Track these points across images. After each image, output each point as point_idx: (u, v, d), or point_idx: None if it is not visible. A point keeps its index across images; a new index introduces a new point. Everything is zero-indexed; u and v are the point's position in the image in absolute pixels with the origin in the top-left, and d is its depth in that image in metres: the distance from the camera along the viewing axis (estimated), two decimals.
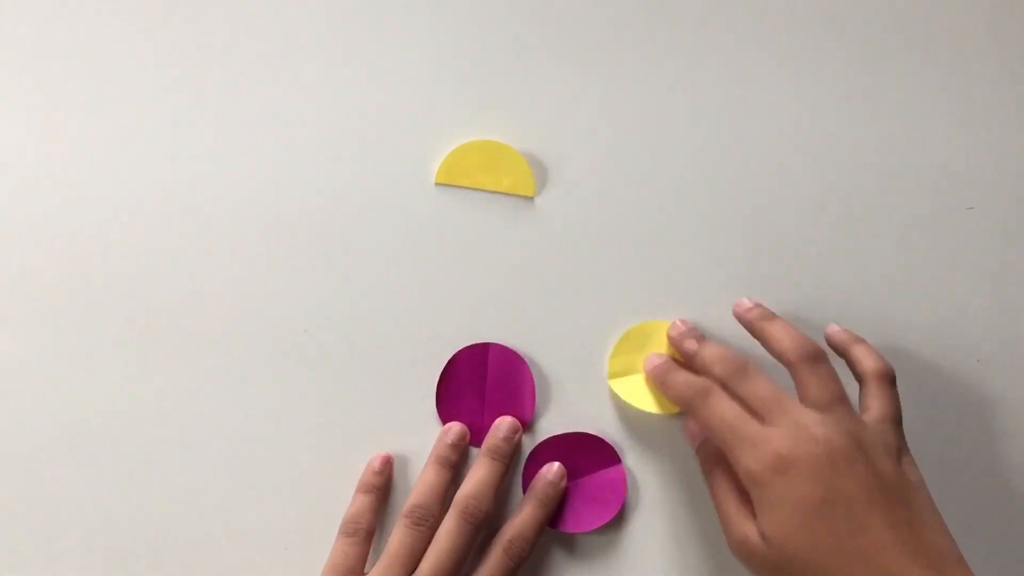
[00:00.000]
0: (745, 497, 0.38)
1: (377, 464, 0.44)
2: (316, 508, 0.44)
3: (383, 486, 0.44)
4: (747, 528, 0.37)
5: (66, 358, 0.45)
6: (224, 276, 0.46)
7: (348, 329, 0.46)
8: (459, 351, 0.45)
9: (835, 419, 0.37)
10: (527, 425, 0.45)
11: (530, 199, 0.47)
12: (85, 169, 0.47)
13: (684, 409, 0.41)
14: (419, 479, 0.43)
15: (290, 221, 0.47)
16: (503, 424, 0.44)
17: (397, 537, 0.41)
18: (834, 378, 0.39)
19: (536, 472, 0.44)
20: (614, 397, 0.45)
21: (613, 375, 0.45)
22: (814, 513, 0.35)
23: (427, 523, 0.41)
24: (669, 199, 0.47)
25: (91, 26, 0.48)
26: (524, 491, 0.44)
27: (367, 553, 0.42)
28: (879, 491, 0.35)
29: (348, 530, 0.42)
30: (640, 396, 0.44)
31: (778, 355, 0.40)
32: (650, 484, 0.45)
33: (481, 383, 0.45)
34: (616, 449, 0.45)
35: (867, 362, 0.41)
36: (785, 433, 0.36)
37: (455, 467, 0.44)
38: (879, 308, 0.47)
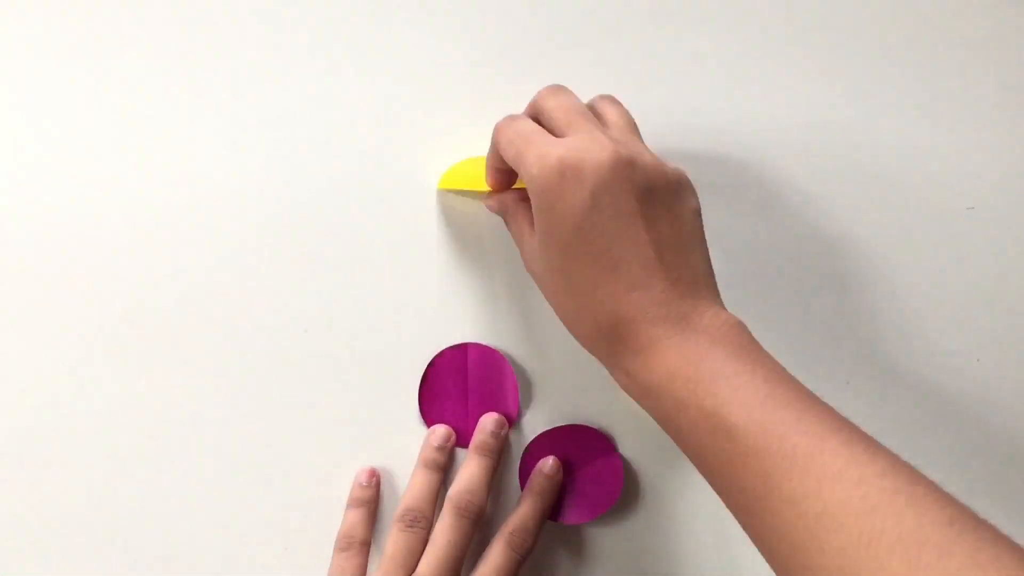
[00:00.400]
0: (531, 222, 0.38)
1: (364, 478, 0.44)
2: (316, 507, 0.44)
3: (373, 498, 0.44)
4: (533, 243, 0.38)
5: (66, 358, 0.45)
6: (224, 276, 0.46)
7: (348, 329, 0.46)
8: (438, 354, 0.46)
9: (626, 139, 0.37)
10: (512, 421, 0.45)
11: None
12: (85, 169, 0.47)
13: (497, 152, 0.39)
14: (409, 484, 0.43)
15: (290, 221, 0.47)
16: (489, 420, 0.44)
17: (392, 541, 0.41)
18: (624, 110, 0.40)
19: (532, 468, 0.44)
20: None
21: (442, 184, 0.45)
22: (580, 222, 0.34)
23: (420, 524, 0.41)
24: None
25: (91, 25, 0.48)
26: (522, 488, 0.44)
27: (365, 564, 0.42)
28: (649, 206, 0.35)
29: (342, 545, 0.42)
30: (462, 179, 0.44)
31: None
32: (646, 471, 0.45)
33: (463, 384, 0.45)
34: (610, 438, 0.45)
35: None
36: (575, 141, 0.35)
37: (443, 469, 0.44)
38: (879, 308, 0.47)
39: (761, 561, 0.43)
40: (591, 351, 0.37)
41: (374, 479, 0.44)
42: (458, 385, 0.45)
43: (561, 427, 0.45)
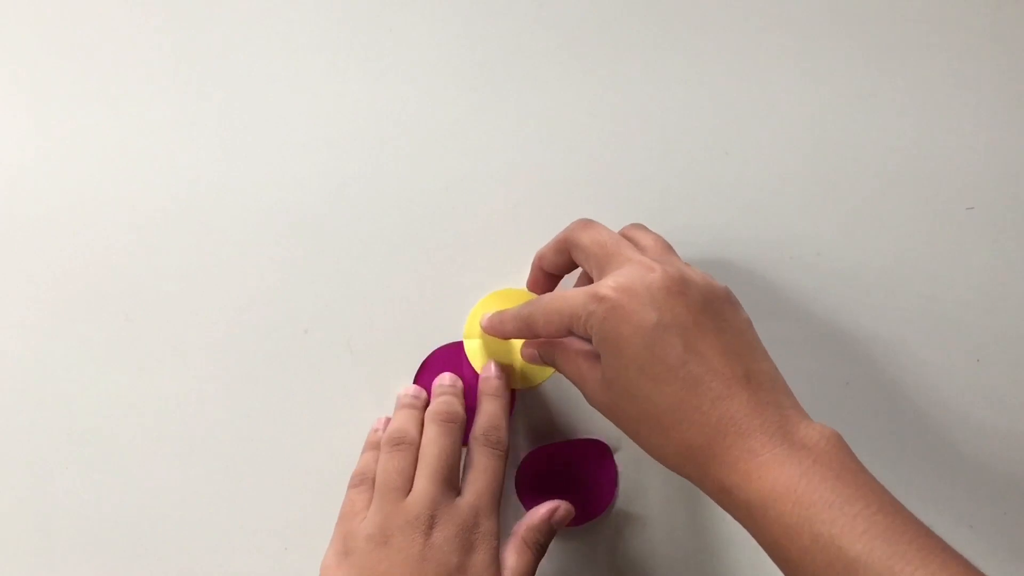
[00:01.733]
0: (591, 356, 0.38)
1: (379, 424, 0.44)
2: (316, 506, 0.44)
3: None
4: (595, 374, 0.38)
5: (66, 358, 0.45)
6: (224, 276, 0.46)
7: (348, 329, 0.46)
8: (435, 350, 0.46)
9: (668, 260, 0.38)
10: (511, 408, 0.46)
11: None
12: (85, 169, 0.47)
13: (529, 334, 0.41)
14: (391, 421, 0.43)
15: (290, 222, 0.47)
16: (491, 368, 0.45)
17: (382, 465, 0.41)
18: (656, 235, 0.41)
19: (528, 480, 0.45)
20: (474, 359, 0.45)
21: (468, 335, 0.46)
22: (649, 340, 0.35)
23: (406, 442, 0.41)
24: (669, 198, 0.47)
25: (92, 25, 0.48)
26: (521, 501, 0.45)
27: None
28: (710, 318, 0.36)
29: (355, 482, 0.42)
30: (482, 359, 0.45)
31: (595, 252, 0.39)
32: (642, 477, 0.45)
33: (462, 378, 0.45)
34: (607, 445, 0.45)
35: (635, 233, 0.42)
36: (622, 272, 0.37)
37: (420, 409, 0.44)
38: (879, 308, 0.47)
39: (754, 567, 0.44)
40: (680, 471, 0.36)
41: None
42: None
43: (559, 442, 0.45)
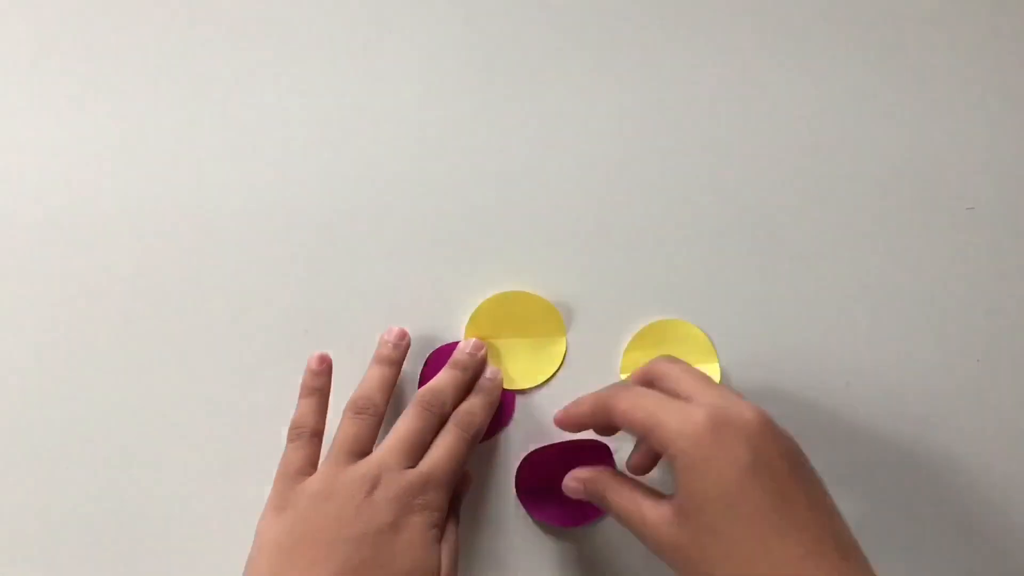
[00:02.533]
0: (651, 493, 0.37)
1: (314, 363, 0.43)
2: None
3: (324, 386, 0.43)
4: (660, 511, 0.36)
5: (66, 358, 0.45)
6: (224, 276, 0.46)
7: (348, 329, 0.46)
8: (435, 350, 0.46)
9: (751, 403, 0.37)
10: (508, 418, 0.46)
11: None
12: (84, 169, 0.47)
13: (604, 415, 0.39)
14: (363, 378, 0.43)
15: (290, 222, 0.47)
16: (468, 342, 0.45)
17: (341, 429, 0.41)
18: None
19: (528, 479, 0.45)
20: None
21: (625, 370, 0.46)
22: (742, 478, 0.33)
23: (368, 411, 0.41)
24: (669, 198, 0.47)
25: (92, 26, 0.48)
26: (521, 501, 0.45)
27: (316, 454, 0.41)
28: (800, 467, 0.35)
29: (292, 435, 0.41)
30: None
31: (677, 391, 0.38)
32: (644, 478, 0.45)
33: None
34: (609, 448, 0.45)
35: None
36: (716, 402, 0.36)
37: (397, 364, 0.43)
38: (879, 308, 0.47)
39: None
40: None
41: (324, 364, 0.43)
42: None
43: (561, 443, 0.45)
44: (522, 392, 0.46)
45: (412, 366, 0.46)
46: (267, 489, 0.45)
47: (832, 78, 0.48)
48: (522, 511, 0.45)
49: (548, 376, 0.46)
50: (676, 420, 0.35)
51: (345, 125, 0.47)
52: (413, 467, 0.40)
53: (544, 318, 0.46)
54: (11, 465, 0.45)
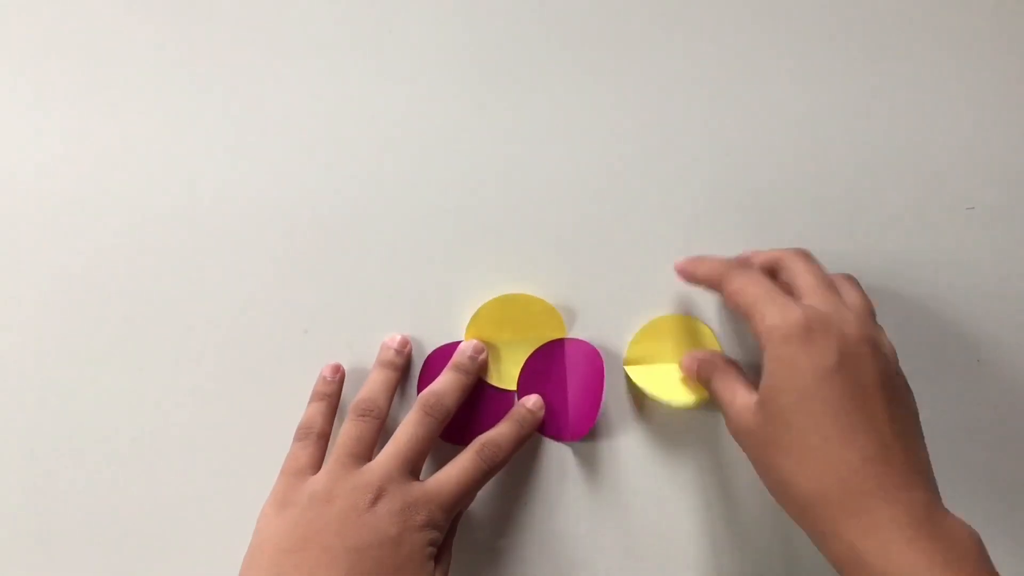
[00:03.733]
0: (748, 383, 0.39)
1: (328, 372, 0.44)
2: None
3: (335, 393, 0.44)
4: (748, 398, 0.38)
5: (66, 358, 0.45)
6: (224, 276, 0.46)
7: (348, 329, 0.46)
8: (435, 350, 0.46)
9: (870, 320, 0.38)
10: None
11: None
12: (85, 170, 0.47)
13: (717, 285, 0.40)
14: (366, 381, 0.43)
15: (290, 222, 0.47)
16: (469, 345, 0.45)
17: (344, 430, 0.41)
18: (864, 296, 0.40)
19: (527, 381, 0.45)
20: (630, 385, 0.45)
21: (629, 361, 0.46)
22: (821, 378, 0.35)
23: (372, 414, 0.41)
24: (670, 198, 0.47)
25: (95, 26, 0.48)
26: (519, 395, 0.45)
27: (321, 455, 0.42)
28: (889, 387, 0.36)
29: (300, 435, 0.42)
30: (655, 383, 0.44)
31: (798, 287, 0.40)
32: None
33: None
34: (599, 351, 0.45)
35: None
36: (820, 305, 0.37)
37: (400, 370, 0.44)
38: (879, 308, 0.47)
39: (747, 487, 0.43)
40: (802, 516, 0.35)
41: (338, 375, 0.44)
42: None
43: (553, 342, 0.45)
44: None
45: (412, 366, 0.46)
46: (267, 488, 0.45)
47: (832, 78, 0.48)
48: (520, 512, 0.45)
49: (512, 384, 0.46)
50: (774, 314, 0.36)
51: (346, 125, 0.47)
52: (416, 475, 0.40)
53: (545, 320, 0.46)
54: (11, 465, 0.45)
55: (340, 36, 0.48)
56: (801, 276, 0.39)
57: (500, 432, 0.43)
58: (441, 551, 0.40)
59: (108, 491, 0.45)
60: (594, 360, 0.45)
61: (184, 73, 0.48)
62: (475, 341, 0.45)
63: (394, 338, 0.45)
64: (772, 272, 0.41)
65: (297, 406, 0.45)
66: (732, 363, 0.42)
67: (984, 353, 0.47)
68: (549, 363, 0.45)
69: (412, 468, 0.40)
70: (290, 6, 0.48)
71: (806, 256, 0.41)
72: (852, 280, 0.42)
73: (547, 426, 0.45)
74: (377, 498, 0.38)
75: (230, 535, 0.45)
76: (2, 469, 0.45)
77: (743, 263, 0.41)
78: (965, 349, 0.47)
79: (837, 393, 0.35)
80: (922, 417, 0.45)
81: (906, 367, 0.46)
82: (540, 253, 0.47)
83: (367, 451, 0.40)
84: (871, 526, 0.33)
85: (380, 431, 0.41)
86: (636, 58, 0.48)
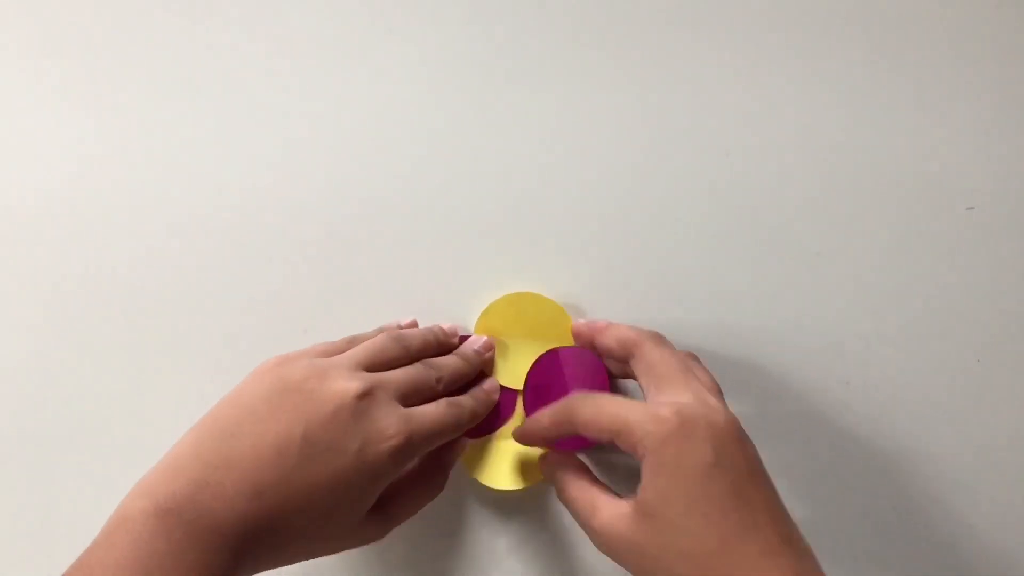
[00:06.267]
0: (607, 489, 0.38)
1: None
2: None
3: (403, 356, 0.42)
4: (618, 508, 0.36)
5: (66, 358, 0.45)
6: (224, 276, 0.46)
7: (348, 329, 0.46)
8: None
9: (723, 403, 0.38)
10: (508, 415, 0.45)
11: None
12: (84, 169, 0.47)
13: (568, 426, 0.39)
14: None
15: (291, 221, 0.47)
16: (480, 339, 0.45)
17: (370, 340, 0.41)
18: (711, 375, 0.40)
19: (534, 388, 0.45)
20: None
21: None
22: (705, 477, 0.34)
23: (404, 344, 0.41)
24: (671, 198, 0.47)
25: (94, 25, 0.48)
26: (525, 408, 0.45)
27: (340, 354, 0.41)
28: (759, 473, 0.36)
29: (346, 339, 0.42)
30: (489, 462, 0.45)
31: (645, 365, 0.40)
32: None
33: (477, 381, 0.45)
34: (603, 364, 0.45)
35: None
36: (684, 398, 0.36)
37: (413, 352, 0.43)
38: (879, 308, 0.47)
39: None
40: None
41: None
42: None
43: (555, 349, 0.45)
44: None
45: None
46: None
47: (832, 78, 0.48)
48: (518, 509, 0.45)
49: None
50: (644, 421, 0.35)
51: (347, 124, 0.47)
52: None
53: (553, 320, 0.46)
54: (11, 465, 0.45)
55: (340, 36, 0.48)
56: (658, 366, 0.39)
57: (444, 363, 0.43)
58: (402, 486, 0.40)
59: (108, 491, 0.45)
60: (598, 372, 0.45)
61: (184, 72, 0.48)
62: (487, 338, 0.45)
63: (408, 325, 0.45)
64: (626, 353, 0.41)
65: None
66: (584, 468, 0.40)
67: (984, 353, 0.47)
68: (552, 375, 0.45)
69: (404, 398, 0.39)
70: (291, 6, 0.48)
71: (660, 340, 0.40)
72: (696, 359, 0.42)
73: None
74: (364, 396, 0.37)
75: None
76: (2, 469, 0.45)
77: (577, 393, 0.40)
78: (964, 349, 0.47)
79: (723, 490, 0.34)
80: (922, 417, 0.45)
81: (906, 367, 0.46)
82: (551, 254, 0.47)
83: (381, 366, 0.40)
84: None
85: (403, 361, 0.41)
86: (644, 59, 0.48)
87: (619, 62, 0.48)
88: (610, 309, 0.46)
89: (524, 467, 0.44)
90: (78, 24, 0.48)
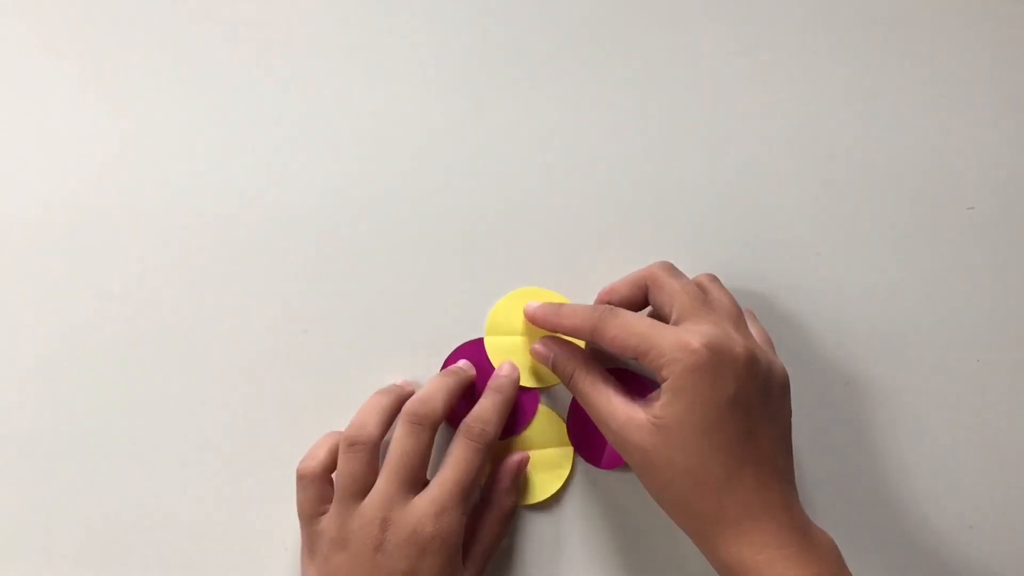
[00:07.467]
0: (622, 389, 0.40)
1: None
2: None
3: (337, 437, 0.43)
4: (634, 414, 0.38)
5: (65, 358, 0.45)
6: (224, 276, 0.46)
7: (348, 329, 0.46)
8: (458, 347, 0.45)
9: (745, 332, 0.39)
10: (530, 417, 0.45)
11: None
12: (84, 169, 0.47)
13: (588, 336, 0.40)
14: (357, 411, 0.43)
15: (290, 221, 0.47)
16: (505, 365, 0.45)
17: (339, 467, 0.41)
18: (730, 295, 0.42)
19: (580, 417, 0.45)
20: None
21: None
22: (722, 410, 0.36)
23: (360, 442, 0.40)
24: (671, 198, 0.47)
25: (94, 25, 0.48)
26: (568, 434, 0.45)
27: (328, 493, 0.41)
28: (769, 404, 0.38)
29: (298, 477, 0.42)
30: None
31: (670, 295, 0.40)
32: None
33: (482, 378, 0.45)
34: (648, 380, 0.45)
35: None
36: (710, 330, 0.37)
37: (397, 397, 0.43)
38: (879, 308, 0.47)
39: None
40: (696, 530, 0.38)
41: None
42: (477, 378, 0.45)
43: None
44: (544, 389, 0.46)
45: (434, 361, 0.45)
46: (267, 488, 0.45)
47: (832, 78, 0.48)
48: (544, 517, 0.45)
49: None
50: (674, 348, 0.37)
51: (347, 124, 0.47)
52: (419, 486, 0.40)
53: None
54: (10, 465, 0.45)
55: (340, 36, 0.48)
56: (677, 296, 0.40)
57: (482, 406, 0.43)
58: (473, 536, 0.42)
59: (108, 492, 0.45)
60: (642, 391, 0.44)
61: (184, 72, 0.48)
62: (510, 363, 0.45)
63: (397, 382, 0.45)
64: (643, 287, 0.42)
65: (297, 406, 0.45)
66: (594, 361, 0.42)
67: (984, 353, 0.47)
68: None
69: (411, 484, 0.40)
70: (293, 6, 0.48)
71: (673, 270, 0.41)
72: (716, 280, 0.43)
73: (584, 448, 0.45)
74: (384, 531, 0.38)
75: (230, 535, 0.45)
76: (2, 469, 0.45)
77: (606, 306, 0.40)
78: (965, 349, 0.47)
79: (736, 426, 0.36)
80: (922, 417, 0.45)
81: (906, 367, 0.46)
82: (542, 253, 0.47)
83: (366, 485, 0.40)
84: (762, 544, 0.36)
85: (374, 459, 0.41)
86: (644, 58, 0.48)
87: (619, 62, 0.48)
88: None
89: (541, 482, 0.45)
90: (78, 26, 0.48)
